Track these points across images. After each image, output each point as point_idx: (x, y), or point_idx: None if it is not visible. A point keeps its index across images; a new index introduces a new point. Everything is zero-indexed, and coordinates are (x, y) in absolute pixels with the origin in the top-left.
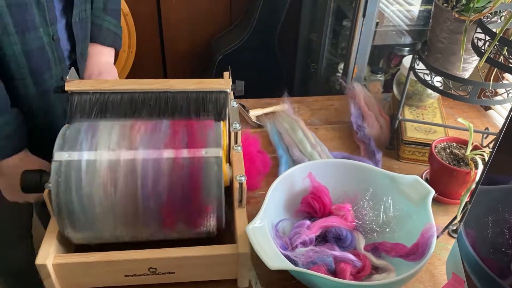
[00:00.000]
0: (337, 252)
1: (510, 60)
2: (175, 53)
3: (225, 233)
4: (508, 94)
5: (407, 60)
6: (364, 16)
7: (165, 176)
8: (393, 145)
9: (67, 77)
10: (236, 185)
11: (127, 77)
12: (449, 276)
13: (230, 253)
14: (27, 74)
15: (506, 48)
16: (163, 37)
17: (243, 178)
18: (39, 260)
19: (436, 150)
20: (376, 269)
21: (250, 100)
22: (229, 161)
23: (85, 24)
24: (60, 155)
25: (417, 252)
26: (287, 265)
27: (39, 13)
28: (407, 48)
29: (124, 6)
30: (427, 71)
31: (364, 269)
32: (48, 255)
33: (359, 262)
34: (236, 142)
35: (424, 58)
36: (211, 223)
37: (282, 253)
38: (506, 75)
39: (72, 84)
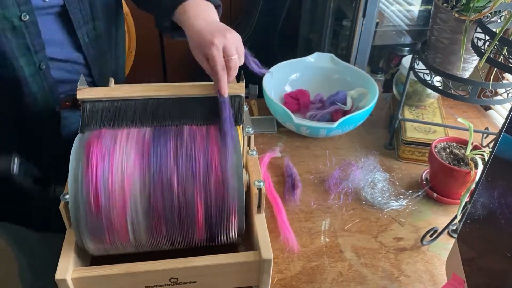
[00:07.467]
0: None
1: (510, 60)
2: (175, 54)
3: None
4: (508, 94)
5: (407, 60)
6: (364, 16)
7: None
8: (393, 145)
9: (77, 85)
10: (254, 191)
11: (127, 77)
12: (449, 276)
13: (252, 260)
14: None
15: (506, 48)
16: (163, 38)
17: (261, 184)
18: (58, 275)
19: (436, 150)
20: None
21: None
22: (244, 166)
23: (98, 43)
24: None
25: None
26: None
27: (16, 41)
28: (407, 48)
29: (124, 6)
30: (427, 71)
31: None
32: (67, 270)
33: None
34: (250, 147)
35: (424, 58)
36: (232, 229)
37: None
38: (506, 75)
39: (83, 92)
